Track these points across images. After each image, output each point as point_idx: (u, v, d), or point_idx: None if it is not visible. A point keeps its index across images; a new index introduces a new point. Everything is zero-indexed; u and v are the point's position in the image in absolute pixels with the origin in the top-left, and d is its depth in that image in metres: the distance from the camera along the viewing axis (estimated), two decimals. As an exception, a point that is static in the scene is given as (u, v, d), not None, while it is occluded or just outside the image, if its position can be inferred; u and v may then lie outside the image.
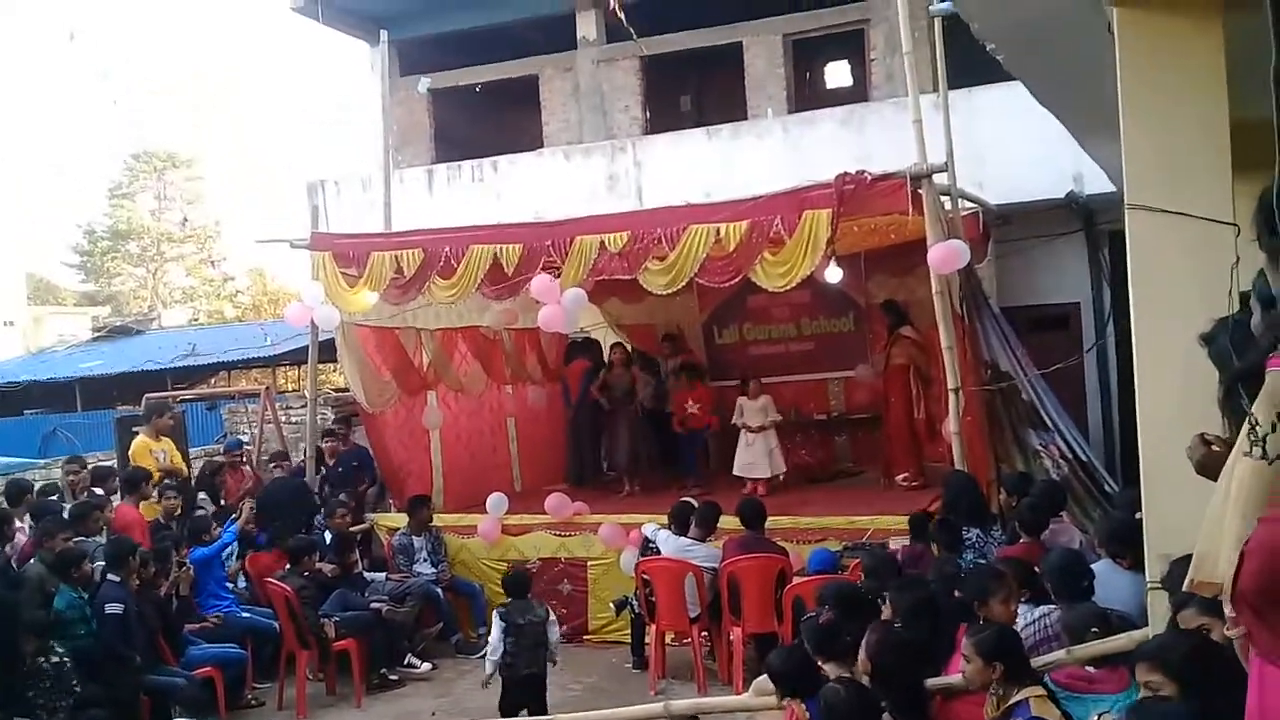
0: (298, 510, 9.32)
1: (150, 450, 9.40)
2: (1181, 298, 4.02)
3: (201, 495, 9.88)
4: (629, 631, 8.07)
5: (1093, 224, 11.11)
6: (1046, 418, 8.07)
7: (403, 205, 11.78)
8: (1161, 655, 3.24)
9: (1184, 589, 2.87)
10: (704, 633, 7.52)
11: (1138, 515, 4.35)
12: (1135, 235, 4.17)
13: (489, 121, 15.57)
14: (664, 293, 8.41)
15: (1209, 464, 2.91)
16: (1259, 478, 2.33)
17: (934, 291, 7.48)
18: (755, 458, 9.76)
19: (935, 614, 4.79)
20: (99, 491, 8.75)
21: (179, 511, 8.68)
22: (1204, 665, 3.13)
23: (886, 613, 4.75)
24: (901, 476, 9.33)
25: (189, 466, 10.43)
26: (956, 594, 4.82)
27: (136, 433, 9.80)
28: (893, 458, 9.54)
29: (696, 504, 7.84)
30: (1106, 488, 7.79)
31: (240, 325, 25.79)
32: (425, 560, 8.83)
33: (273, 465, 10.39)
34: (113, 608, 6.67)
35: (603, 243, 8.23)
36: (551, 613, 6.71)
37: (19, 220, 41.39)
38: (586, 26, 14.31)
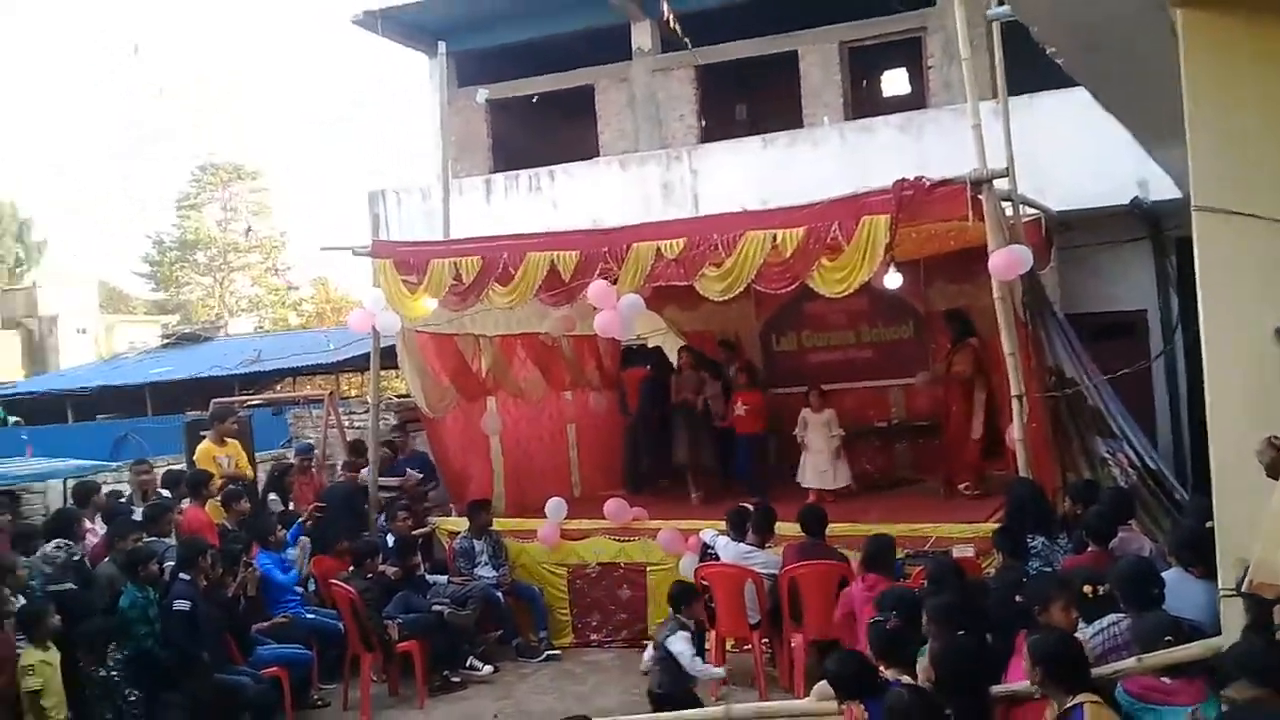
0: (349, 514, 9.48)
1: (214, 456, 9.60)
2: (1251, 301, 3.98)
3: (272, 496, 10.08)
4: (689, 638, 8.07)
5: (1159, 230, 10.92)
6: (1114, 425, 7.95)
7: (461, 214, 11.95)
8: (1247, 664, 3.17)
9: (1244, 590, 2.84)
10: (765, 639, 7.51)
11: (1209, 524, 4.29)
12: (1203, 238, 4.13)
13: (545, 131, 15.72)
14: (721, 299, 8.43)
15: (1279, 465, 2.88)
16: None
17: (995, 297, 7.41)
18: (822, 469, 9.77)
19: (987, 618, 4.77)
20: (167, 494, 8.96)
21: (244, 515, 8.85)
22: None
23: (926, 625, 4.71)
24: (963, 485, 9.24)
25: (255, 470, 10.63)
26: (1018, 599, 4.78)
27: (204, 437, 10.01)
28: (953, 467, 9.45)
29: (752, 510, 7.83)
30: (1176, 496, 7.65)
31: (304, 332, 26.23)
32: (486, 564, 8.93)
33: (348, 469, 10.56)
34: (180, 604, 6.83)
35: (659, 249, 8.28)
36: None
37: (91, 230, 42.58)
38: (641, 37, 14.40)
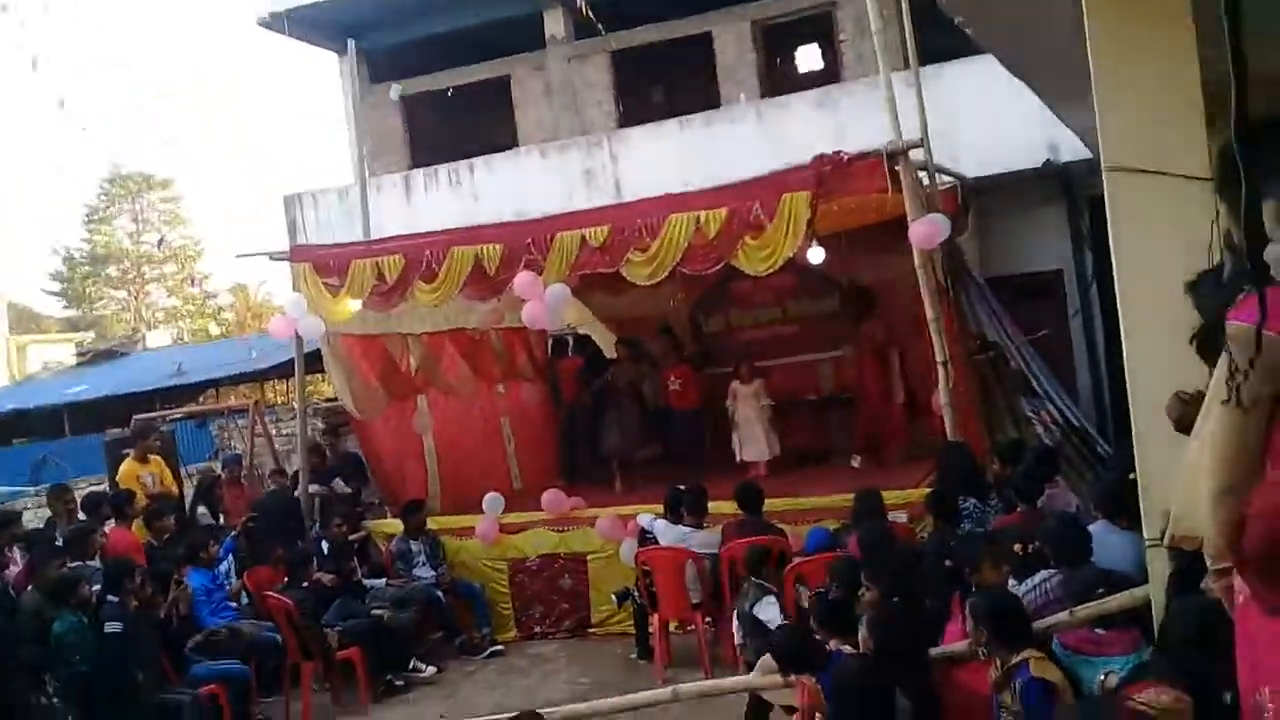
0: (287, 523, 9.32)
1: (137, 474, 9.38)
2: (1163, 256, 4.03)
3: (201, 509, 9.86)
4: (633, 623, 8.07)
5: (1071, 190, 11.14)
6: (1036, 384, 8.11)
7: (381, 213, 11.78)
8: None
9: (1164, 544, 2.89)
10: (708, 619, 7.53)
11: (1131, 475, 4.38)
12: (1114, 197, 4.18)
13: (463, 125, 15.53)
14: (647, 284, 8.40)
15: (1186, 419, 2.93)
16: (1236, 425, 2.35)
17: (917, 266, 7.50)
18: (753, 440, 9.81)
19: (920, 581, 4.84)
20: (83, 518, 8.69)
21: (169, 533, 8.65)
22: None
23: (865, 590, 4.76)
24: (886, 455, 9.36)
25: (181, 485, 10.39)
26: (948, 562, 4.85)
27: (126, 455, 9.75)
28: (878, 438, 9.55)
29: (685, 491, 7.85)
30: (1099, 450, 7.83)
31: (225, 341, 25.74)
32: (424, 564, 8.82)
33: (270, 481, 10.38)
34: (112, 626, 6.68)
35: (583, 238, 8.22)
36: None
37: (-5, 250, 41.17)
38: (555, 24, 14.28)
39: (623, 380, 10.53)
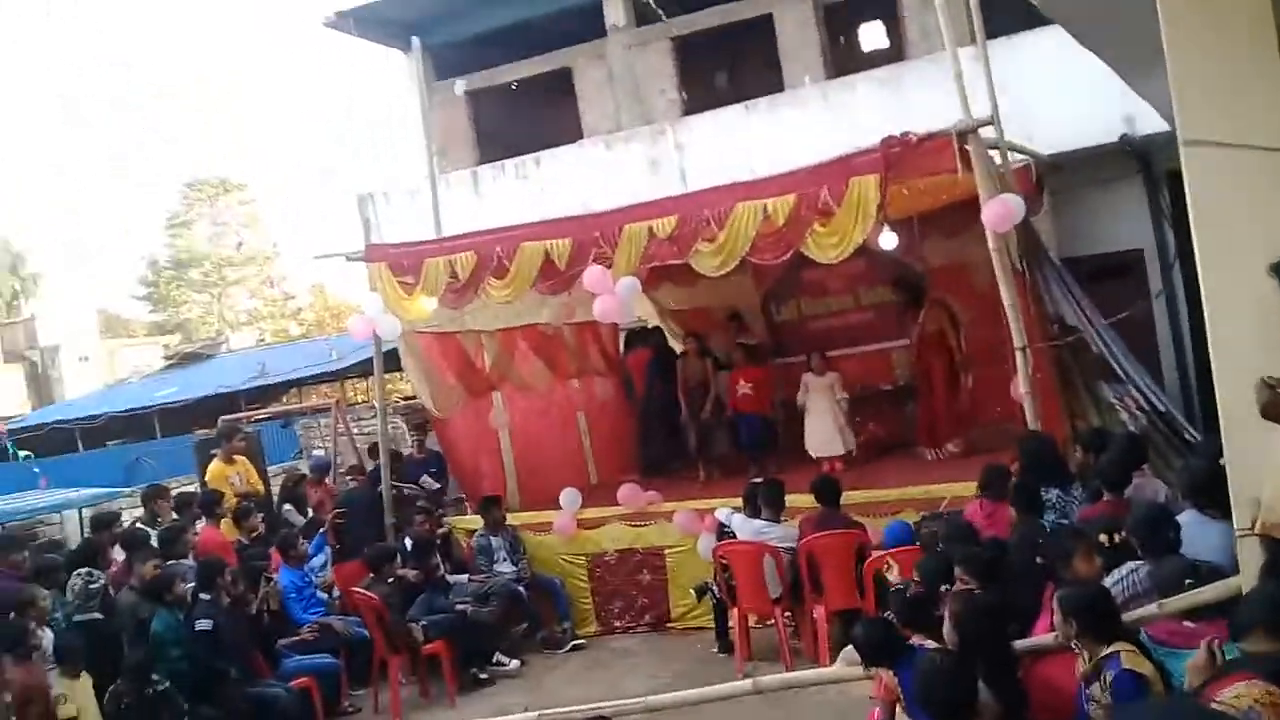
0: (371, 519, 9.52)
1: (225, 475, 9.65)
2: (1246, 232, 3.91)
3: (287, 506, 10.11)
4: (712, 617, 8.08)
5: (1150, 166, 10.77)
6: (1119, 369, 7.88)
7: (451, 209, 11.88)
8: (1262, 614, 3.13)
9: (1255, 532, 2.80)
10: (787, 613, 7.51)
11: (1221, 463, 4.25)
12: (1193, 172, 4.05)
13: (528, 117, 15.60)
14: (716, 274, 8.38)
15: (1273, 407, 2.83)
16: None
17: (992, 249, 7.34)
18: (827, 435, 9.70)
19: (1009, 573, 4.76)
20: (176, 518, 8.98)
21: (257, 531, 8.89)
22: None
23: (961, 583, 4.71)
24: (954, 443, 9.21)
25: (268, 484, 10.66)
26: (1039, 560, 4.77)
27: (214, 456, 10.04)
28: (940, 428, 9.39)
29: (761, 485, 7.82)
30: (1187, 437, 7.60)
31: (306, 342, 26.29)
32: (505, 559, 8.94)
33: (349, 478, 10.60)
34: (203, 624, 6.95)
35: (651, 229, 8.22)
36: None
37: (85, 258, 42.54)
38: (615, 13, 14.25)
39: (692, 378, 10.49)
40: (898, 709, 4.39)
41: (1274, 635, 3.02)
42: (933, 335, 9.24)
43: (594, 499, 9.54)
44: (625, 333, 11.85)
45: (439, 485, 10.50)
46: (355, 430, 12.95)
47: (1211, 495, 4.75)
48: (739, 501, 7.89)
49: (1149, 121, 9.13)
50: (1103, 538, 4.63)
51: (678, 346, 11.30)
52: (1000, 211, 7.20)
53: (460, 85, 14.79)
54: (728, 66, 16.22)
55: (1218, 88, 3.98)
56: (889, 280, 10.41)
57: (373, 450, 11.01)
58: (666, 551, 8.68)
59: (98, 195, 54.56)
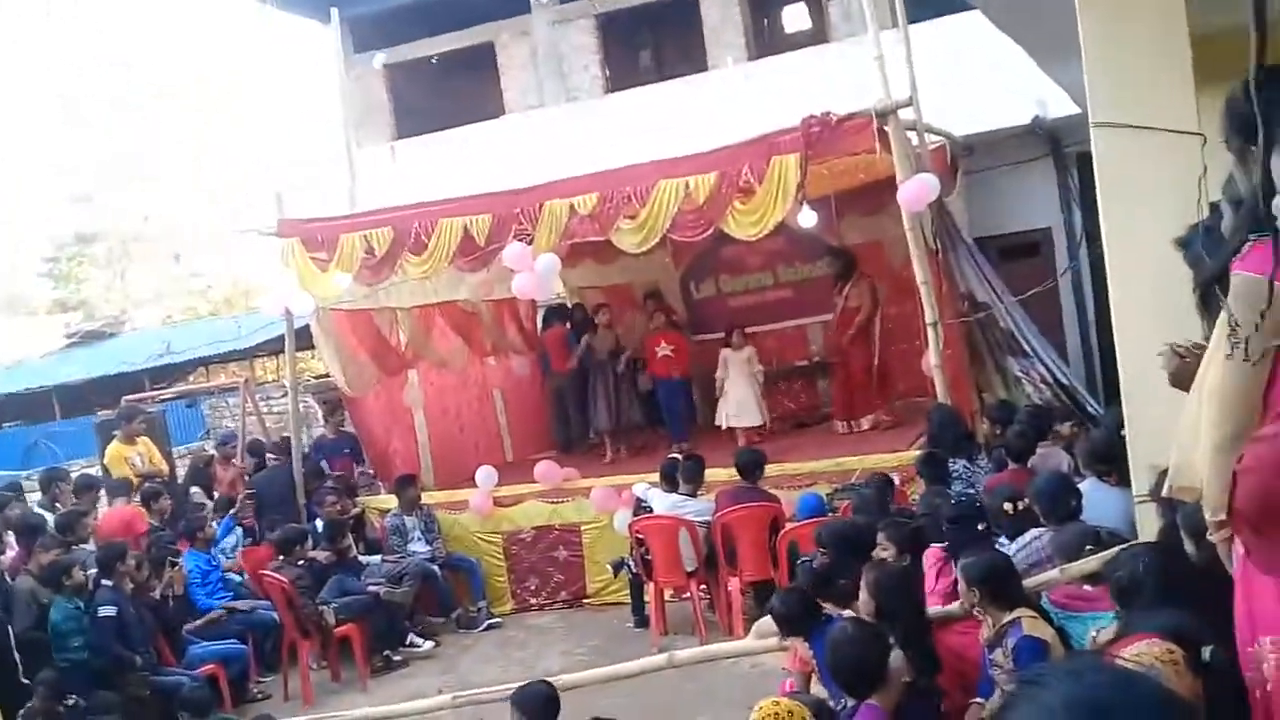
0: (288, 501, 9.33)
1: (125, 456, 9.35)
2: (1151, 212, 4.01)
3: (195, 489, 9.84)
4: (628, 592, 8.09)
5: (1060, 148, 11.06)
6: (1026, 344, 8.08)
7: (368, 184, 11.65)
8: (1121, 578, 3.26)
9: (1163, 494, 2.88)
10: (702, 586, 7.55)
11: (1122, 433, 4.37)
12: (1102, 153, 4.15)
13: (448, 92, 15.37)
14: (637, 251, 8.36)
15: (1182, 374, 2.91)
16: (1241, 378, 2.32)
17: (906, 228, 7.45)
18: (742, 408, 9.75)
19: (925, 542, 4.85)
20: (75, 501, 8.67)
21: (166, 514, 8.64)
22: (1163, 582, 3.14)
23: (882, 550, 4.77)
24: (869, 418, 9.34)
25: (172, 465, 10.37)
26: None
27: (115, 436, 9.73)
28: (858, 402, 9.52)
29: (682, 460, 7.84)
30: (1089, 409, 7.83)
31: (214, 319, 25.58)
32: (419, 539, 8.82)
33: (253, 456, 10.36)
34: (106, 610, 6.72)
35: (572, 206, 8.16)
36: None
37: (-15, 233, 40.85)
38: (540, -11, 14.10)
39: (603, 349, 10.46)
40: (813, 679, 4.44)
41: (1161, 599, 3.12)
42: (854, 311, 9.35)
43: (510, 476, 9.45)
44: (543, 309, 11.75)
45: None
46: (265, 410, 12.65)
47: (1109, 462, 4.89)
48: (655, 477, 7.89)
49: (1060, 105, 9.34)
50: (1006, 506, 4.73)
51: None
52: (916, 191, 7.31)
53: (380, 58, 14.50)
54: (651, 45, 16.15)
55: (1128, 73, 4.08)
56: (821, 253, 10.49)
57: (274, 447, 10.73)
58: (583, 528, 8.65)
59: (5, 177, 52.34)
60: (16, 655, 6.48)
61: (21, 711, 6.00)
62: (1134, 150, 4.07)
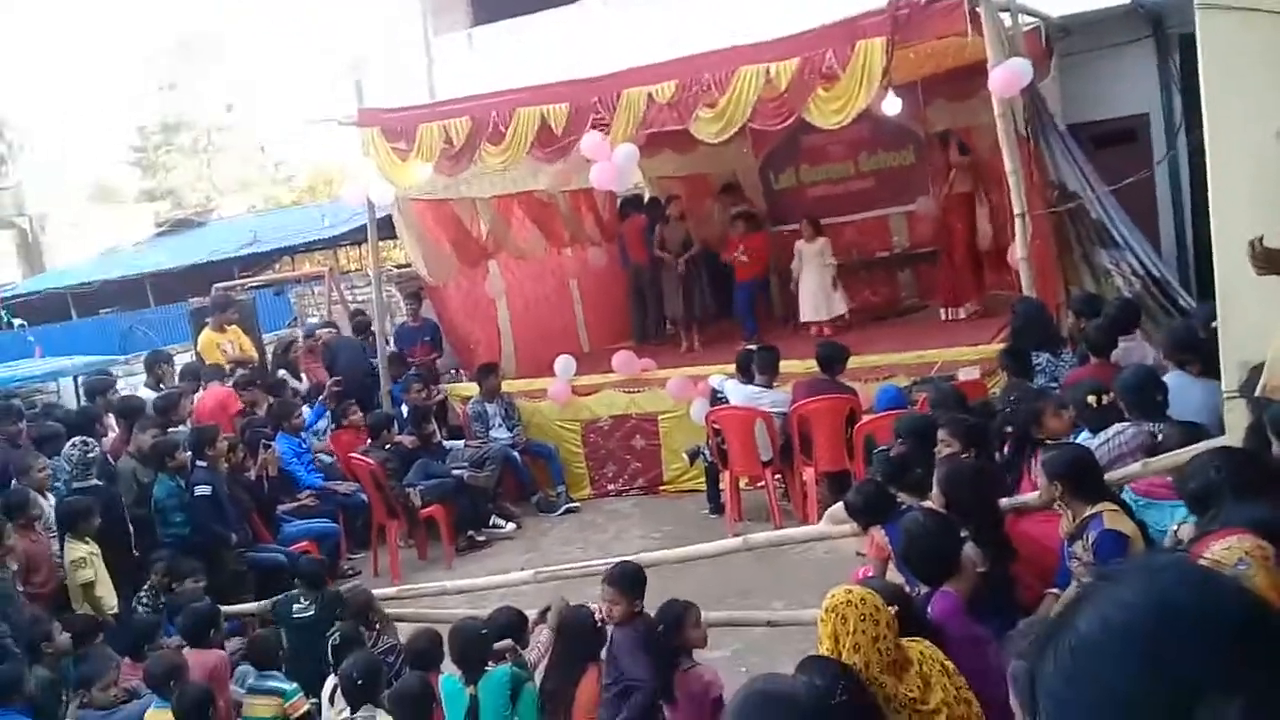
0: (359, 366, 9.64)
1: (217, 343, 9.65)
2: (1256, 101, 3.86)
3: (282, 372, 10.15)
4: (704, 480, 8.22)
5: (1161, 29, 10.49)
6: (1117, 236, 7.86)
7: (445, 72, 11.61)
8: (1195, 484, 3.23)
9: (1257, 394, 2.84)
10: (777, 475, 7.64)
11: (1213, 325, 4.28)
12: (1206, 36, 3.97)
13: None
14: (716, 140, 8.26)
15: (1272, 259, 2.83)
16: None
17: (997, 115, 7.22)
18: (818, 300, 9.72)
19: (993, 438, 4.84)
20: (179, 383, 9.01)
21: (259, 404, 8.94)
22: (1243, 482, 3.11)
23: (945, 445, 4.77)
24: (969, 304, 9.24)
25: (262, 352, 10.69)
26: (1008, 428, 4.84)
27: (206, 324, 10.04)
28: (958, 289, 9.40)
29: (756, 351, 7.86)
30: (1181, 302, 7.62)
31: (298, 209, 25.97)
32: (500, 425, 9.04)
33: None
34: (201, 489, 7.01)
35: (650, 94, 8.06)
36: None
37: (71, 122, 41.70)
38: None
39: (675, 240, 10.43)
40: (889, 565, 4.52)
41: (1244, 496, 3.10)
42: (959, 197, 9.16)
43: (588, 366, 9.59)
44: (620, 200, 11.71)
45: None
46: (350, 298, 12.92)
47: (1189, 351, 4.81)
48: (731, 368, 7.93)
49: (1163, -17, 8.87)
50: (1090, 399, 4.68)
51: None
52: (1007, 76, 7.06)
53: (454, -57, 14.24)
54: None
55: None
56: (906, 141, 10.20)
57: (354, 321, 11.00)
58: (660, 417, 8.77)
59: (81, 58, 53.02)
60: (131, 527, 6.86)
61: (143, 593, 6.38)
62: (1240, 34, 3.88)
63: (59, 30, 53.71)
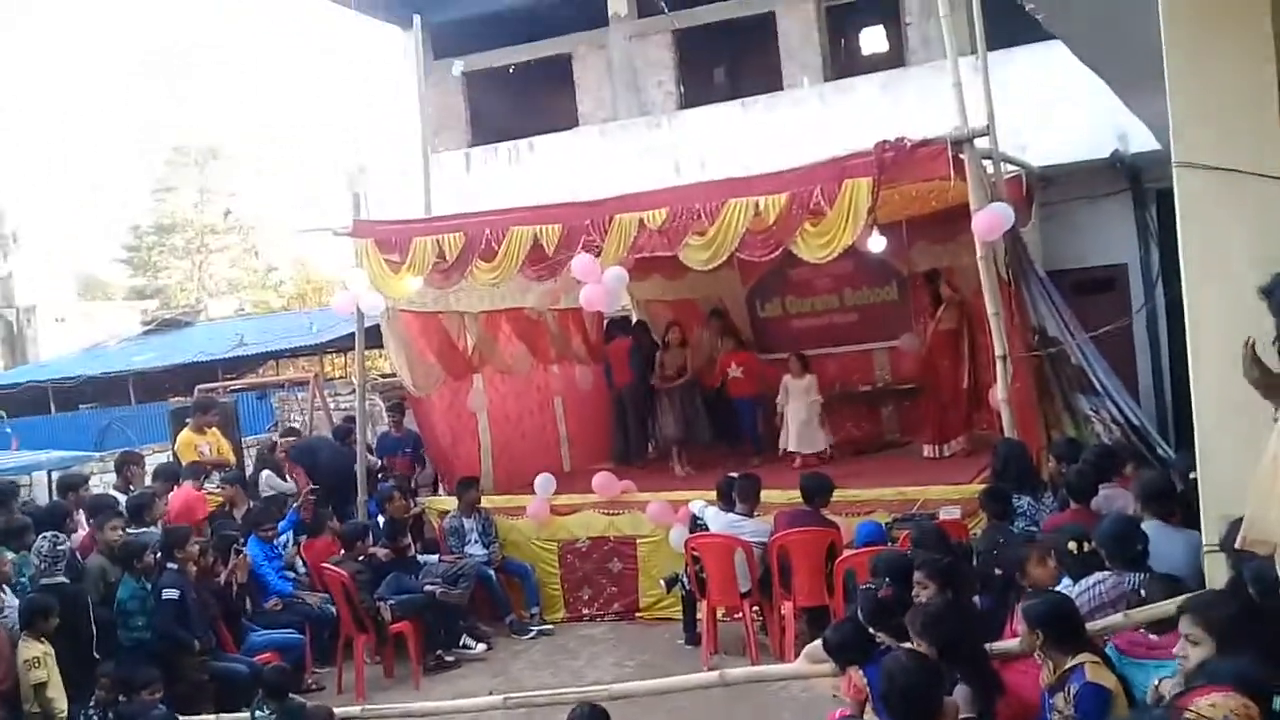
0: (341, 468, 9.56)
1: (195, 444, 9.59)
2: (1233, 255, 3.96)
3: (266, 473, 10.06)
4: (680, 608, 8.10)
5: (1138, 183, 10.88)
6: (1096, 382, 7.96)
7: (441, 189, 11.83)
8: (1207, 611, 3.22)
9: (1236, 547, 2.85)
10: (755, 607, 7.54)
11: (1191, 476, 4.30)
12: (1184, 193, 4.10)
13: (524, 102, 15.55)
14: (705, 268, 8.39)
15: (1268, 381, 2.87)
16: None
17: (979, 258, 7.40)
18: (805, 433, 9.75)
19: (970, 580, 4.80)
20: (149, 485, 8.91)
21: (238, 503, 8.84)
22: (1247, 626, 3.10)
23: (921, 588, 4.72)
24: (954, 442, 9.28)
25: (241, 455, 10.61)
26: (996, 570, 4.81)
27: (187, 424, 9.98)
28: (944, 426, 9.45)
29: (737, 479, 7.84)
30: (1159, 451, 7.69)
31: (286, 314, 26.10)
32: (476, 542, 8.92)
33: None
34: (169, 593, 6.89)
35: (642, 220, 8.21)
36: None
37: (66, 217, 42.15)
38: (618, 2, 14.22)
39: (672, 366, 10.52)
40: (867, 709, 4.42)
41: (1203, 626, 3.09)
42: (946, 334, 9.31)
43: (568, 486, 9.54)
44: (607, 321, 11.84)
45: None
46: (332, 405, 12.89)
47: (1165, 501, 4.83)
48: (712, 494, 7.90)
49: (1140, 140, 9.23)
50: (1071, 545, 4.66)
51: (658, 337, 11.28)
52: (990, 220, 7.26)
53: (458, 66, 14.72)
54: (726, 62, 16.21)
55: (1214, 114, 4.04)
56: (889, 278, 10.37)
57: (338, 430, 10.99)
58: (638, 541, 8.69)
59: (81, 157, 53.92)
60: (94, 628, 6.68)
61: (91, 703, 6.17)
62: (1217, 191, 4.02)
63: (60, 125, 54.78)
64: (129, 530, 7.46)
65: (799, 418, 9.83)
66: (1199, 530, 4.14)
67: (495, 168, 13.77)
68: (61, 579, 6.77)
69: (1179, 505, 5.19)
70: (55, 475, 10.18)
